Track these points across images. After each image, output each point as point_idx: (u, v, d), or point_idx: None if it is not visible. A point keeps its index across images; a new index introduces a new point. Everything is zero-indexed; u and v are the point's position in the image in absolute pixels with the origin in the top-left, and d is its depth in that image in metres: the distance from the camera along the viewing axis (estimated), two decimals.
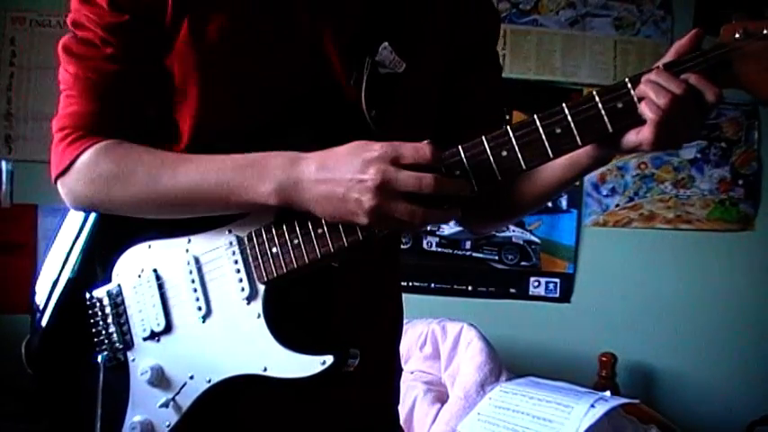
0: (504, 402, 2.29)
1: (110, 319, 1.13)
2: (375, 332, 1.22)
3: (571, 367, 2.85)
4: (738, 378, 3.01)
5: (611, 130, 0.97)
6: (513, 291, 3.02)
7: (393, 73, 1.11)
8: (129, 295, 1.12)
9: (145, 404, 1.10)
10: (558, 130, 0.97)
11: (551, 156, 0.98)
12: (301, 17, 1.09)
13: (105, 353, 1.12)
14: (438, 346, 2.57)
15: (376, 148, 0.96)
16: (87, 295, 1.14)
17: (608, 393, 2.37)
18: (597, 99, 0.96)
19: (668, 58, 0.98)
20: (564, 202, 3.02)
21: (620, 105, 0.96)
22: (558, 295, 3.03)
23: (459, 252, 3.01)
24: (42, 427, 1.20)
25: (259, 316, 1.05)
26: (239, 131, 1.08)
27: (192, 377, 1.08)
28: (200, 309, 1.08)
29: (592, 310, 3.01)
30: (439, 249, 3.00)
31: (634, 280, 3.03)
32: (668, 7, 3.02)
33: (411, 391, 2.45)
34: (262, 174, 1.00)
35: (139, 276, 1.12)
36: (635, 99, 0.96)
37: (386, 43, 1.10)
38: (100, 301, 1.14)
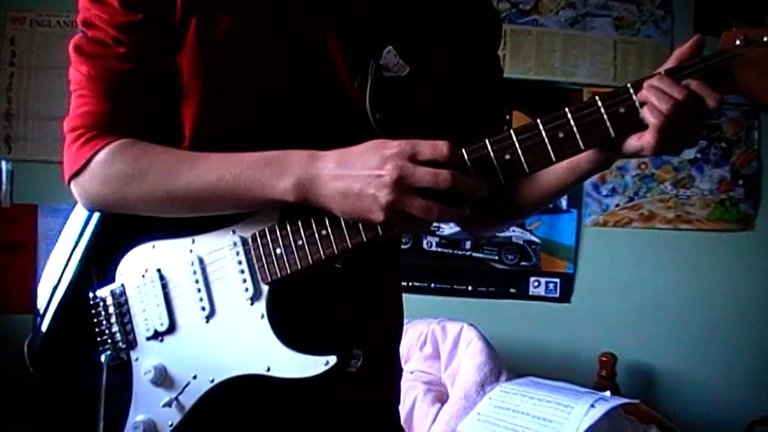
0: (504, 402, 2.29)
1: (113, 319, 1.13)
2: (376, 332, 1.22)
3: (571, 367, 2.85)
4: (738, 378, 3.01)
5: (613, 135, 0.97)
6: (513, 291, 3.03)
7: (397, 76, 1.11)
8: (132, 295, 1.13)
9: (148, 404, 1.10)
10: (561, 135, 0.97)
11: (554, 159, 0.98)
12: (306, 20, 1.09)
13: (108, 352, 1.12)
14: (438, 346, 2.57)
15: (394, 145, 0.96)
16: (91, 295, 1.14)
17: (608, 393, 2.37)
18: (600, 104, 0.97)
19: (669, 64, 0.99)
20: (564, 203, 3.02)
21: (622, 110, 0.97)
22: (557, 295, 3.03)
23: (459, 252, 3.01)
24: (45, 428, 1.20)
25: (263, 316, 1.05)
26: (243, 131, 1.08)
27: (195, 377, 1.08)
28: (203, 309, 1.08)
29: (592, 310, 3.02)
30: (439, 249, 3.00)
31: (634, 280, 3.03)
32: (668, 7, 3.02)
33: (411, 391, 2.45)
34: (280, 170, 1.00)
35: (143, 276, 1.12)
36: (637, 104, 0.96)
37: (390, 47, 1.11)
38: (103, 300, 1.14)
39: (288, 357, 1.03)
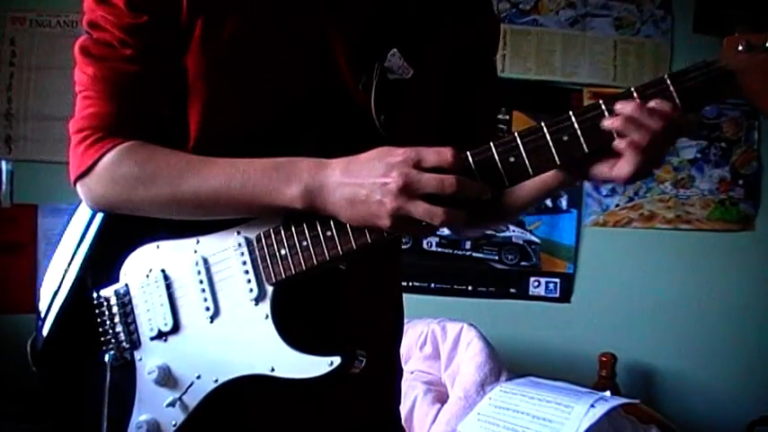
0: (504, 402, 2.29)
1: (117, 319, 1.13)
2: (377, 332, 1.22)
3: (571, 367, 2.85)
4: (738, 378, 3.01)
5: (617, 138, 0.97)
6: (513, 291, 3.03)
7: (401, 79, 1.12)
8: (136, 295, 1.13)
9: (151, 403, 1.10)
10: (566, 138, 0.98)
11: (558, 163, 0.99)
12: (310, 21, 1.10)
13: (112, 352, 1.12)
14: (438, 346, 2.57)
15: (399, 153, 0.97)
16: (94, 294, 1.15)
17: (608, 393, 2.37)
18: (604, 107, 0.97)
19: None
20: (564, 202, 3.03)
21: None
22: (558, 295, 3.03)
23: (459, 252, 3.01)
24: (46, 427, 1.20)
25: (267, 317, 1.05)
26: (248, 132, 1.09)
27: (198, 377, 1.08)
28: (207, 309, 1.08)
29: (592, 310, 3.02)
30: (439, 249, 3.00)
31: (634, 280, 3.03)
32: (668, 7, 3.02)
33: (411, 391, 2.45)
34: (288, 177, 1.01)
35: (147, 276, 1.12)
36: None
37: (395, 50, 1.11)
38: (107, 300, 1.14)
39: (292, 358, 1.03)
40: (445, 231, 2.98)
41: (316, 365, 1.02)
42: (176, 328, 1.10)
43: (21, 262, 2.84)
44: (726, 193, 3.05)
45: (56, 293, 1.17)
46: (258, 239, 1.06)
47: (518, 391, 2.32)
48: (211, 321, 1.09)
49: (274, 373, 1.04)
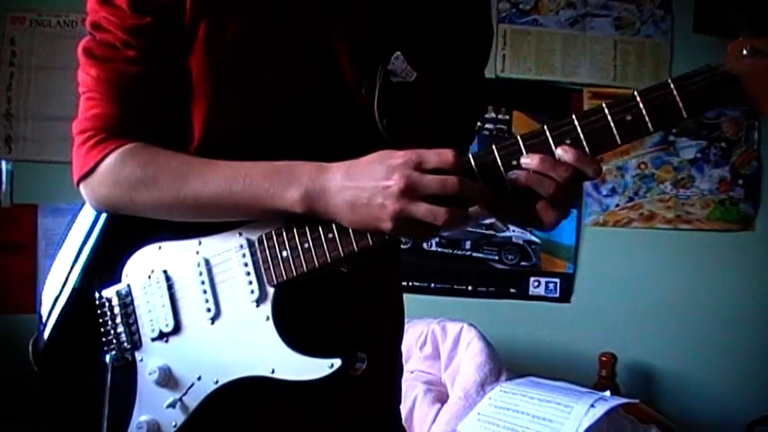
0: (504, 402, 2.29)
1: (118, 319, 1.13)
2: (378, 332, 1.22)
3: (571, 367, 2.85)
4: (738, 378, 3.01)
5: (620, 143, 0.98)
6: (513, 291, 3.03)
7: (404, 82, 1.12)
8: (138, 295, 1.13)
9: (152, 404, 1.10)
10: (568, 141, 0.98)
11: None
12: (314, 23, 1.10)
13: (113, 352, 1.12)
14: (438, 346, 2.57)
15: (399, 155, 0.97)
16: (96, 295, 1.15)
17: (608, 393, 2.37)
18: (607, 111, 0.97)
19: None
20: None
21: (629, 118, 0.97)
22: (558, 295, 3.03)
23: (459, 252, 3.01)
24: (46, 427, 1.20)
25: (268, 318, 1.05)
26: (251, 134, 1.09)
27: (199, 378, 1.08)
28: (209, 310, 1.08)
29: (592, 310, 3.02)
30: (439, 249, 3.00)
31: (634, 280, 3.03)
32: (668, 7, 3.02)
33: (411, 391, 2.45)
34: (289, 181, 1.01)
35: (149, 277, 1.12)
36: (643, 111, 0.96)
37: (398, 53, 1.11)
38: (109, 300, 1.14)
39: (292, 360, 1.03)
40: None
41: (316, 367, 1.02)
42: (177, 328, 1.10)
43: (21, 262, 2.85)
44: (726, 193, 3.05)
45: (58, 294, 1.17)
46: (260, 241, 1.06)
47: (518, 391, 2.32)
48: (212, 323, 1.09)
49: (275, 375, 1.04)
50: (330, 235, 1.02)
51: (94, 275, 1.15)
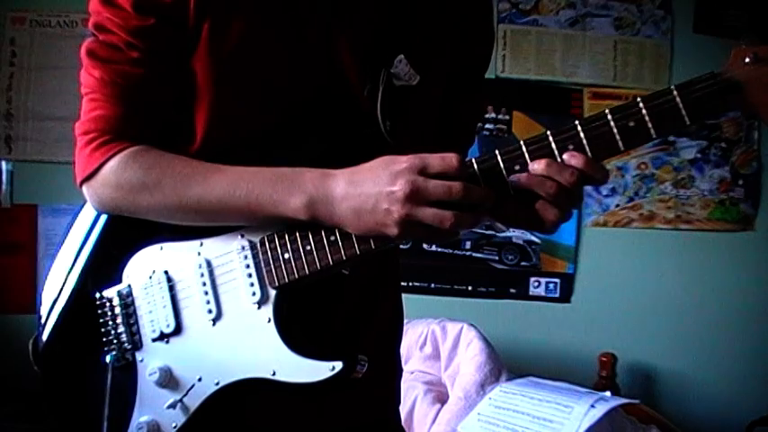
0: (504, 402, 2.29)
1: (119, 320, 1.13)
2: (377, 333, 1.22)
3: (571, 367, 2.85)
4: (738, 378, 3.01)
5: (622, 149, 0.98)
6: (513, 291, 3.02)
7: (407, 85, 1.12)
8: (139, 296, 1.13)
9: (152, 405, 1.10)
10: (571, 146, 0.98)
11: None
12: (317, 26, 1.09)
13: (114, 353, 1.12)
14: (438, 346, 2.57)
15: (403, 161, 0.97)
16: (97, 295, 1.15)
17: (608, 393, 2.37)
18: (609, 117, 0.97)
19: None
20: None
21: (631, 124, 0.97)
22: (557, 295, 3.03)
23: (459, 252, 3.01)
24: (46, 427, 1.20)
25: (269, 320, 1.05)
26: (253, 136, 1.09)
27: (200, 379, 1.08)
28: (210, 311, 1.08)
29: (592, 310, 3.01)
30: (439, 249, 3.00)
31: (634, 280, 3.03)
32: (668, 7, 3.02)
33: (411, 391, 2.45)
34: (293, 188, 1.01)
35: (150, 278, 1.12)
36: (646, 117, 0.96)
37: (401, 56, 1.11)
38: (110, 301, 1.14)
39: (293, 362, 1.04)
40: None
41: (317, 370, 1.03)
42: (178, 329, 1.10)
43: (21, 262, 2.84)
44: (726, 193, 3.05)
45: (59, 293, 1.17)
46: (262, 243, 1.06)
47: (518, 391, 2.32)
48: (213, 324, 1.09)
49: (275, 377, 1.04)
50: (332, 237, 1.02)
51: (95, 275, 1.15)
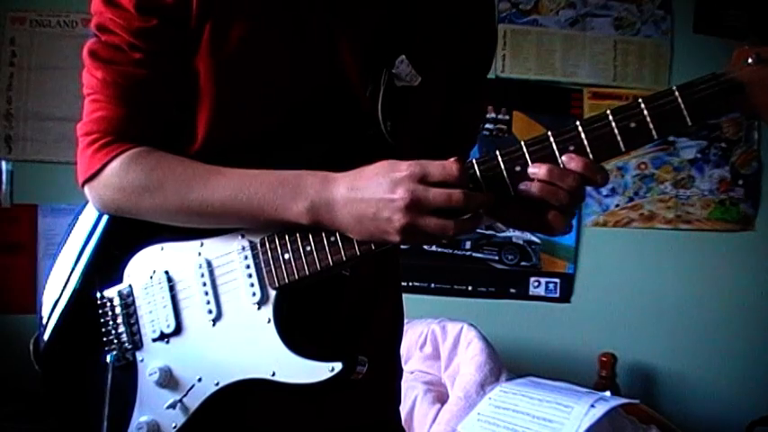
0: (504, 402, 2.29)
1: (120, 320, 1.13)
2: (377, 334, 1.22)
3: (571, 367, 2.85)
4: (738, 378, 3.01)
5: (623, 150, 0.98)
6: (513, 291, 3.02)
7: (408, 86, 1.12)
8: (139, 296, 1.13)
9: (152, 405, 1.10)
10: (572, 147, 0.98)
11: None
12: (319, 27, 1.09)
13: (114, 353, 1.12)
14: (438, 346, 2.57)
15: (403, 168, 0.97)
16: (98, 295, 1.15)
17: (608, 393, 2.37)
18: (611, 118, 0.97)
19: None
20: None
21: (633, 125, 0.97)
22: (557, 295, 3.03)
23: (459, 252, 3.01)
24: (46, 427, 1.20)
25: (269, 321, 1.06)
26: (255, 136, 1.09)
27: (200, 379, 1.08)
28: (210, 312, 1.09)
29: (592, 310, 3.01)
30: (439, 249, 3.00)
31: (634, 280, 3.03)
32: (668, 7, 3.02)
33: (411, 391, 2.45)
34: (294, 193, 1.01)
35: (151, 278, 1.12)
36: (648, 118, 0.96)
37: (403, 56, 1.11)
38: (110, 300, 1.14)
39: (293, 363, 1.04)
40: None
41: (317, 371, 1.03)
42: (179, 330, 1.10)
43: (21, 262, 2.84)
44: (726, 193, 3.05)
45: (59, 293, 1.17)
46: (262, 243, 1.06)
47: (518, 391, 2.32)
48: (214, 324, 1.09)
49: (275, 378, 1.04)
50: (332, 238, 1.02)
51: (96, 275, 1.15)
